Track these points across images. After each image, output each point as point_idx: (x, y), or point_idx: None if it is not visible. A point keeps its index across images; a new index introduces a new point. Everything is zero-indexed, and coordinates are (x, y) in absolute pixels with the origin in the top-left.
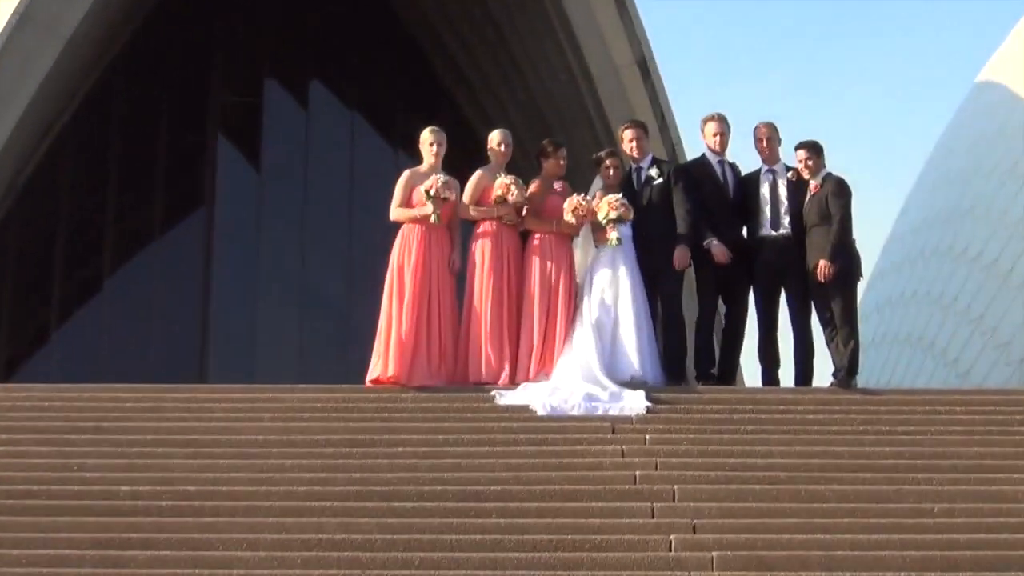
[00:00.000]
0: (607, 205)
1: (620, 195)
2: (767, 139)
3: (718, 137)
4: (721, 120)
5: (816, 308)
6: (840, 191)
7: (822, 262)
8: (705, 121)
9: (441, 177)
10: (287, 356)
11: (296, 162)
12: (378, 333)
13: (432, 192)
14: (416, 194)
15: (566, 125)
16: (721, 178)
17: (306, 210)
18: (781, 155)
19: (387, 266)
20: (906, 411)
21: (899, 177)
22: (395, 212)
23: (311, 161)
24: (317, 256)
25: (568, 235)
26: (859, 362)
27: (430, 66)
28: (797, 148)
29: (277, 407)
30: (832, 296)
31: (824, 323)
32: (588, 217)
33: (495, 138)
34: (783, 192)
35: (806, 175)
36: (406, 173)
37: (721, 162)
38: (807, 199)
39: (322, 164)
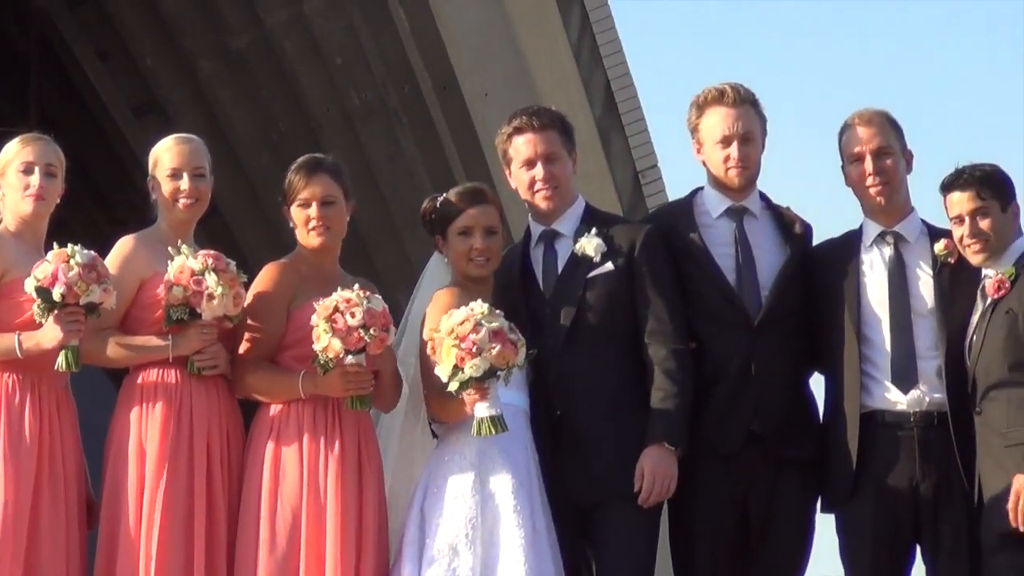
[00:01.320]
0: (452, 343)
1: (481, 308)
2: (876, 152)
3: (735, 147)
4: (742, 103)
5: None
6: None
7: (1020, 481)
8: (703, 105)
9: (77, 254)
10: None
11: None
12: None
13: (60, 292)
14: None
15: (350, 115)
16: (735, 257)
17: None
18: (912, 199)
19: None
20: None
21: None
22: None
23: None
24: None
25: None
26: None
27: None
28: (949, 187)
29: None
30: None
31: None
32: (374, 354)
33: (159, 159)
34: (926, 293)
35: (976, 256)
36: None
37: (739, 211)
38: (978, 317)
39: None
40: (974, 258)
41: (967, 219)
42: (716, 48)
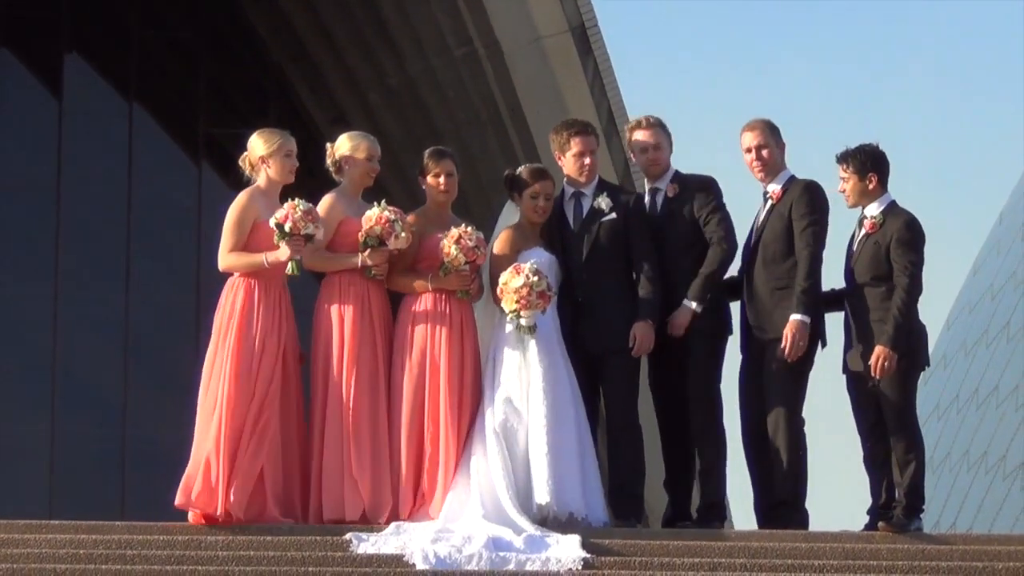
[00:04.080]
0: (514, 299)
1: (531, 270)
2: (757, 148)
3: (647, 153)
4: (651, 127)
5: (856, 409)
6: (912, 238)
7: (879, 349)
8: (631, 129)
9: (300, 204)
10: (34, 468)
11: (43, 178)
12: (195, 439)
13: (288, 226)
14: (269, 230)
15: (461, 128)
16: (657, 214)
17: (62, 253)
18: (788, 163)
19: (206, 338)
20: (970, 568)
21: (968, 228)
22: (227, 258)
23: (65, 178)
24: (79, 319)
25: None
26: (923, 494)
27: (251, 35)
28: (837, 160)
29: (13, 555)
30: (886, 393)
31: (866, 434)
32: (479, 264)
33: (353, 146)
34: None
35: (847, 203)
36: (243, 197)
37: (652, 191)
38: (857, 242)
39: (82, 182)
40: (848, 205)
41: (841, 181)
42: (680, 82)
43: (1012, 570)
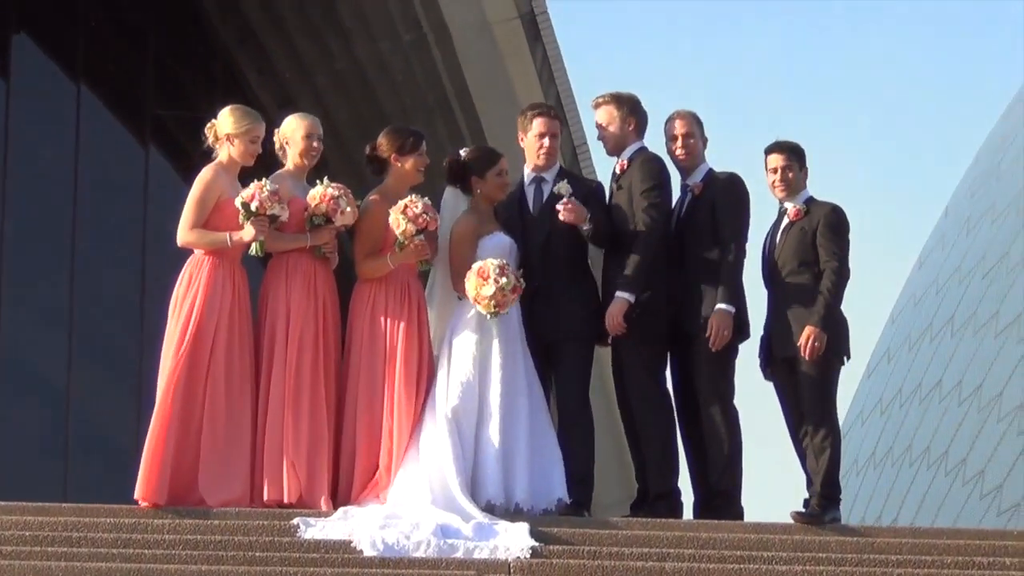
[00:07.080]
0: (490, 304)
1: (496, 271)
2: (684, 136)
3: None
4: (602, 104)
5: (782, 399)
6: (840, 223)
7: (810, 329)
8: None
9: (267, 184)
10: None
11: None
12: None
13: (255, 206)
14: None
15: (408, 113)
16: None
17: (6, 232)
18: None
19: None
20: (918, 561)
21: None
22: (188, 234)
23: (12, 158)
24: (23, 301)
25: (416, 272)
26: (839, 483)
27: (200, 17)
28: (769, 151)
29: None
30: (806, 381)
31: (793, 423)
32: (432, 230)
33: (297, 127)
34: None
35: (780, 194)
36: (207, 173)
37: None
38: (780, 231)
39: (29, 163)
40: (779, 195)
41: (779, 170)
42: (621, 67)
43: (960, 563)
